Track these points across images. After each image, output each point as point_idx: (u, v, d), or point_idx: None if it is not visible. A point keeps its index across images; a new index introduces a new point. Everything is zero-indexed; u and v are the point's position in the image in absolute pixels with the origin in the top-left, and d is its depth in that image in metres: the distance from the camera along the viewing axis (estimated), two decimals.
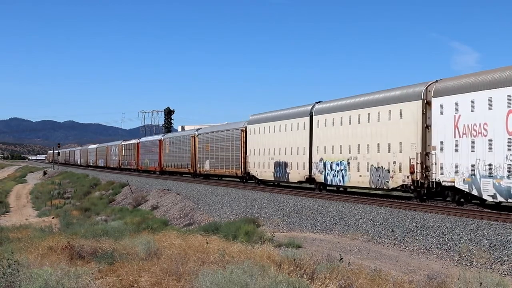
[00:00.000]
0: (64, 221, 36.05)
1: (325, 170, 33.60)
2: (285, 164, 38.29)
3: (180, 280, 11.04)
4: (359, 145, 30.49)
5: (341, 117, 32.36)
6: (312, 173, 35.17)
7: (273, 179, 40.48)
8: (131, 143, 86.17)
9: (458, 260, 16.84)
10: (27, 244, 16.35)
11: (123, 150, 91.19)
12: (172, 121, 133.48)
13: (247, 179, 45.36)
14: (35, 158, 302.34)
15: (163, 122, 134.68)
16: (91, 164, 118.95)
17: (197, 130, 59.01)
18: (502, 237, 17.24)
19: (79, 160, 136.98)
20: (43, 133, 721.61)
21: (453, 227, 19.34)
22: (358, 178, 30.46)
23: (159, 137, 73.11)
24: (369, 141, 29.61)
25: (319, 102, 36.18)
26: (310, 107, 36.33)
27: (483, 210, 22.83)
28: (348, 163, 31.21)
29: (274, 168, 39.85)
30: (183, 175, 63.34)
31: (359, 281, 11.19)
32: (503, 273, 15.16)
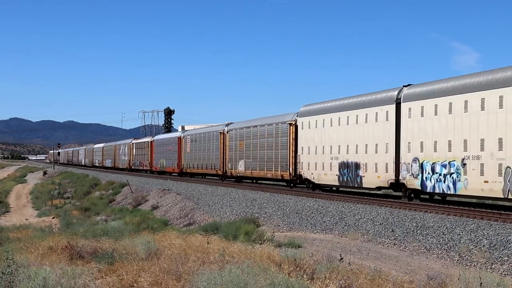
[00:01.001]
0: (64, 221, 36.08)
1: (422, 173, 25.93)
2: (356, 165, 30.16)
3: (180, 280, 11.05)
4: (482, 139, 22.72)
5: (450, 103, 24.43)
6: (400, 177, 27.43)
7: (336, 183, 32.59)
8: (144, 142, 77.52)
9: (458, 260, 16.84)
10: (27, 244, 16.35)
11: (134, 149, 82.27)
12: (172, 121, 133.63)
13: (297, 183, 37.54)
14: (35, 158, 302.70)
15: (163, 122, 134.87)
16: (97, 164, 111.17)
17: (227, 125, 50.07)
18: (502, 237, 17.24)
19: (83, 160, 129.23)
20: (43, 133, 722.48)
21: (453, 227, 19.34)
22: (481, 184, 22.66)
23: (178, 134, 64.59)
24: (502, 134, 21.86)
25: (409, 85, 28.25)
26: (395, 93, 28.31)
27: (483, 210, 22.82)
28: (464, 164, 23.55)
29: (339, 171, 31.59)
30: (206, 177, 55.72)
31: (359, 281, 11.19)
32: (503, 273, 15.15)
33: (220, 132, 49.77)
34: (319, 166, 34.00)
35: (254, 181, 45.87)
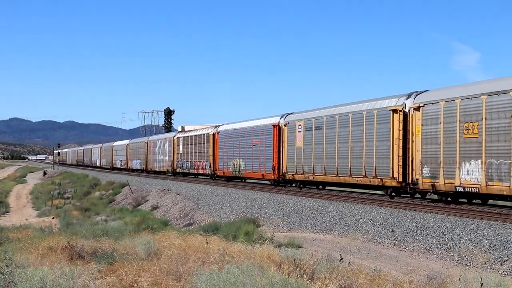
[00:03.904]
0: (64, 221, 36.06)
1: None
2: None
3: (180, 280, 11.05)
4: None
5: None
6: None
7: None
8: (201, 134, 53.36)
9: (458, 260, 16.83)
10: (27, 244, 16.35)
11: (181, 145, 59.19)
12: (172, 121, 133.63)
13: None
14: (35, 158, 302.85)
15: (163, 122, 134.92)
16: (119, 166, 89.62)
17: (411, 96, 26.05)
18: (502, 237, 17.23)
19: (98, 160, 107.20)
20: (43, 133, 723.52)
21: (453, 227, 19.33)
22: None
23: (272, 120, 39.27)
24: None
25: None
26: None
27: (483, 210, 22.78)
28: None
29: None
30: (342, 187, 34.05)
31: (359, 281, 11.18)
32: (503, 273, 15.14)
33: (392, 110, 26.62)
34: None
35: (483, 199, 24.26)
